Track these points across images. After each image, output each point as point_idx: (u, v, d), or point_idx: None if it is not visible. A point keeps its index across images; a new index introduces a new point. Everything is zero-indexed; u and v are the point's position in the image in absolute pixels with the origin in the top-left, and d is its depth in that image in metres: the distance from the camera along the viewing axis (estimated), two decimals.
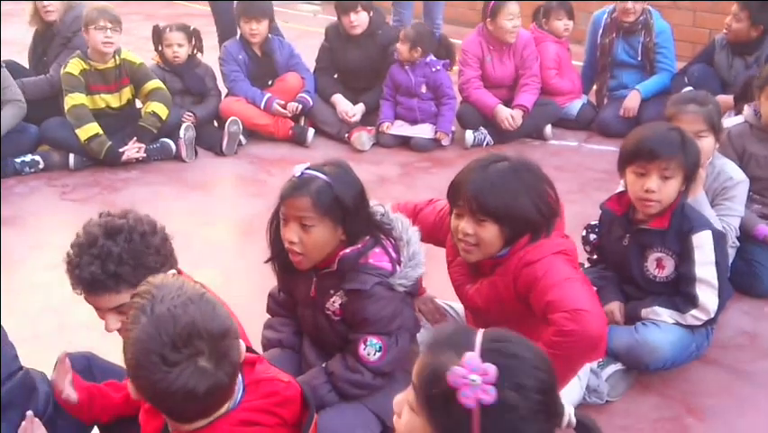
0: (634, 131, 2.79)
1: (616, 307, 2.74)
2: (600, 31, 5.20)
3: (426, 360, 1.34)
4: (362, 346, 2.22)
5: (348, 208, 2.16)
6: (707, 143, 2.94)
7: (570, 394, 2.45)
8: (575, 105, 5.30)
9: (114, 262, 1.89)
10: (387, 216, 2.30)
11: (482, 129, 5.07)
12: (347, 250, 2.19)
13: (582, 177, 4.46)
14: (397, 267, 2.23)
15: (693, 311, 2.64)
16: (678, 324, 2.66)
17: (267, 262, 2.34)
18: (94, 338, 2.41)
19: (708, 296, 2.62)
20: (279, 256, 2.28)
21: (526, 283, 2.22)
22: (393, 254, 2.24)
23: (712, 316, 2.64)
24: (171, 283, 1.49)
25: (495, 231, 2.20)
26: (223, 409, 1.55)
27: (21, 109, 4.59)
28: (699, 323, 2.66)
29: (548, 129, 5.14)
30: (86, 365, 2.27)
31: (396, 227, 2.28)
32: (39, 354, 2.37)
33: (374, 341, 2.22)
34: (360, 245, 2.20)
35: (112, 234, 1.92)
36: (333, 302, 2.26)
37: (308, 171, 2.19)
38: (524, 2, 5.06)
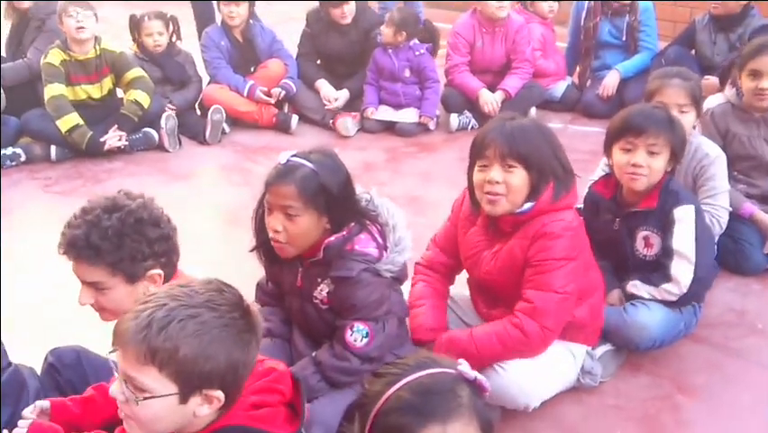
0: (621, 111, 2.79)
1: (616, 295, 2.74)
2: (584, 13, 5.19)
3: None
4: (349, 333, 2.22)
5: (333, 196, 2.15)
6: (687, 119, 2.95)
7: (565, 375, 2.48)
8: (559, 87, 5.30)
9: (99, 234, 1.89)
10: (372, 202, 2.29)
11: (467, 112, 5.06)
12: (332, 238, 2.18)
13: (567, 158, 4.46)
14: (384, 253, 2.23)
15: (666, 285, 2.64)
16: (659, 301, 2.66)
17: (252, 250, 2.33)
18: (80, 330, 2.39)
19: (681, 269, 2.62)
20: (264, 245, 2.27)
21: (537, 254, 2.30)
22: (379, 240, 2.23)
23: (685, 291, 2.63)
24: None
25: (523, 177, 2.28)
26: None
27: None
28: (673, 298, 2.65)
29: (533, 111, 5.13)
30: (75, 359, 2.25)
31: (381, 213, 2.27)
32: (25, 348, 2.35)
33: (360, 327, 2.22)
34: (345, 232, 2.19)
35: (110, 210, 1.92)
36: (321, 291, 2.25)
37: (294, 159, 2.17)
38: None
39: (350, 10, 5.03)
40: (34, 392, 2.14)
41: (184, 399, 1.45)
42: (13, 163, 4.55)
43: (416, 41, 4.99)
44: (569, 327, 2.42)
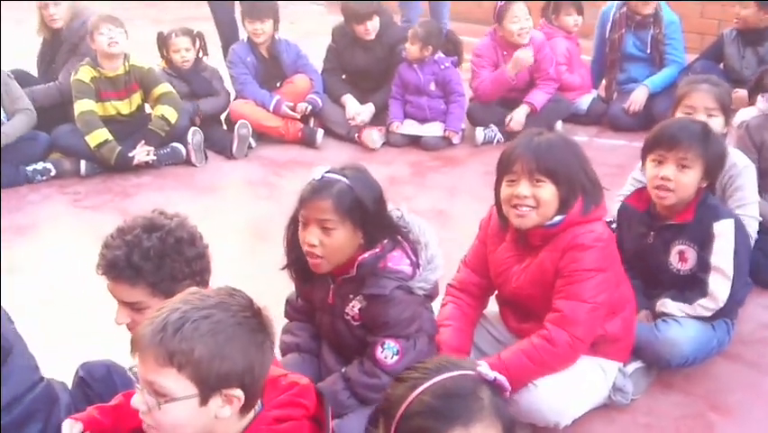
0: (660, 123, 2.77)
1: (643, 315, 2.71)
2: (609, 25, 5.17)
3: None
4: (379, 350, 2.22)
5: (368, 211, 2.16)
6: (716, 123, 2.93)
7: (596, 392, 2.46)
8: (585, 100, 5.28)
9: (140, 254, 1.90)
10: (403, 218, 2.30)
11: (492, 126, 5.04)
12: (366, 255, 2.19)
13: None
14: (417, 270, 2.23)
15: (702, 300, 2.61)
16: (693, 317, 2.63)
17: (283, 268, 2.33)
18: (110, 345, 2.40)
19: (719, 285, 2.59)
20: (297, 262, 2.28)
21: (567, 265, 2.30)
22: (412, 257, 2.24)
23: (721, 305, 2.60)
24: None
25: (551, 191, 2.29)
26: (251, 414, 1.55)
27: (31, 118, 4.60)
28: (709, 313, 2.62)
29: (558, 125, 5.11)
30: (105, 373, 2.27)
31: (413, 230, 2.27)
32: (55, 363, 2.37)
33: (391, 344, 2.21)
34: (378, 249, 2.20)
35: (150, 229, 1.93)
36: (353, 307, 2.25)
37: (328, 174, 2.18)
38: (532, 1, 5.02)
39: (373, 26, 5.06)
40: (65, 407, 2.16)
41: (204, 400, 1.47)
42: (44, 178, 4.61)
43: (441, 54, 5.00)
44: (600, 341, 2.40)
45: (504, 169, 2.35)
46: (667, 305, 2.66)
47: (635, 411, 2.55)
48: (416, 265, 2.24)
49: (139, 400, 1.51)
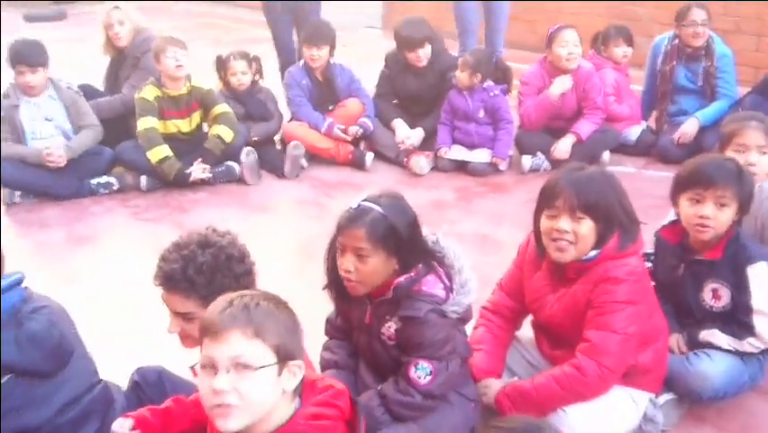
0: (689, 160, 2.82)
1: (674, 339, 2.76)
2: (661, 57, 5.20)
3: None
4: (413, 370, 2.30)
5: (402, 238, 2.26)
6: (766, 161, 2.96)
7: (626, 421, 2.50)
8: (634, 131, 5.30)
9: (194, 268, 2.05)
10: (438, 243, 2.39)
11: (540, 154, 5.11)
12: (401, 278, 2.29)
13: (640, 203, 4.32)
14: (450, 294, 2.32)
15: (750, 339, 2.66)
16: (732, 352, 2.67)
17: (324, 288, 2.45)
18: (163, 350, 2.55)
19: (765, 326, 2.63)
20: (335, 283, 2.39)
21: (599, 296, 2.36)
22: (446, 282, 2.33)
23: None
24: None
25: (590, 227, 2.36)
26: (291, 411, 1.73)
27: (97, 133, 4.86)
28: (757, 351, 2.67)
29: (606, 155, 5.14)
30: (157, 378, 2.43)
31: (448, 255, 2.37)
32: (112, 366, 2.54)
33: (424, 365, 2.30)
34: (413, 273, 2.30)
35: (204, 245, 2.09)
36: (389, 328, 2.35)
37: (364, 203, 2.29)
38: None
39: (425, 54, 5.19)
40: (121, 408, 2.32)
41: (280, 370, 1.69)
42: (106, 191, 4.86)
43: (491, 81, 5.10)
44: (632, 372, 2.45)
45: (545, 201, 2.42)
46: (717, 336, 2.69)
47: None
48: (449, 289, 2.33)
49: (223, 381, 1.65)
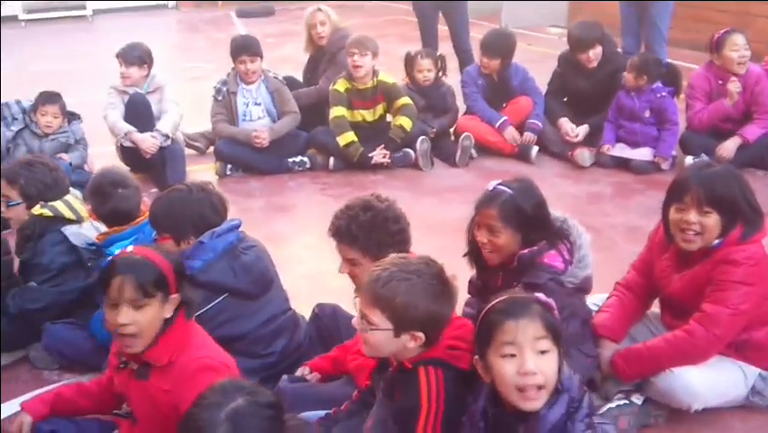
0: None
1: None
2: None
3: None
4: None
5: (528, 217, 2.67)
6: None
7: (732, 388, 2.75)
8: None
9: (355, 225, 2.56)
10: (566, 222, 2.78)
11: (703, 155, 5.20)
12: (525, 251, 2.70)
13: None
14: (568, 267, 2.70)
15: None
16: None
17: (464, 256, 2.90)
18: (338, 293, 3.09)
19: None
20: (474, 253, 2.84)
21: (718, 275, 2.64)
22: (566, 256, 2.72)
23: None
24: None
25: (716, 220, 2.62)
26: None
27: (295, 119, 5.63)
28: None
29: None
30: (332, 313, 3.04)
31: (572, 233, 2.75)
32: (301, 303, 3.18)
33: None
34: (535, 247, 2.69)
35: (366, 208, 2.59)
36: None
37: (499, 186, 2.72)
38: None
39: (596, 54, 5.47)
40: (304, 332, 2.96)
41: (397, 334, 2.10)
42: (301, 169, 5.62)
43: (659, 83, 5.28)
44: (745, 346, 2.70)
45: (675, 196, 2.72)
46: None
47: None
48: (568, 263, 2.71)
49: (358, 322, 2.18)
